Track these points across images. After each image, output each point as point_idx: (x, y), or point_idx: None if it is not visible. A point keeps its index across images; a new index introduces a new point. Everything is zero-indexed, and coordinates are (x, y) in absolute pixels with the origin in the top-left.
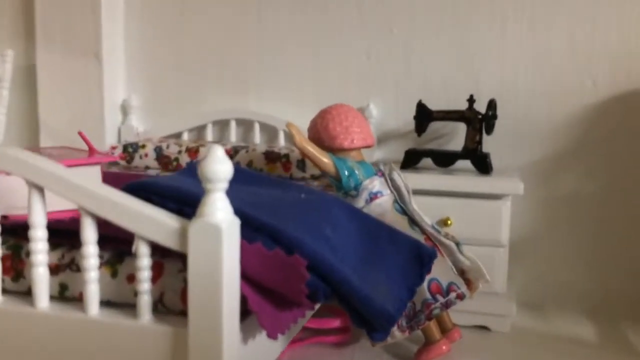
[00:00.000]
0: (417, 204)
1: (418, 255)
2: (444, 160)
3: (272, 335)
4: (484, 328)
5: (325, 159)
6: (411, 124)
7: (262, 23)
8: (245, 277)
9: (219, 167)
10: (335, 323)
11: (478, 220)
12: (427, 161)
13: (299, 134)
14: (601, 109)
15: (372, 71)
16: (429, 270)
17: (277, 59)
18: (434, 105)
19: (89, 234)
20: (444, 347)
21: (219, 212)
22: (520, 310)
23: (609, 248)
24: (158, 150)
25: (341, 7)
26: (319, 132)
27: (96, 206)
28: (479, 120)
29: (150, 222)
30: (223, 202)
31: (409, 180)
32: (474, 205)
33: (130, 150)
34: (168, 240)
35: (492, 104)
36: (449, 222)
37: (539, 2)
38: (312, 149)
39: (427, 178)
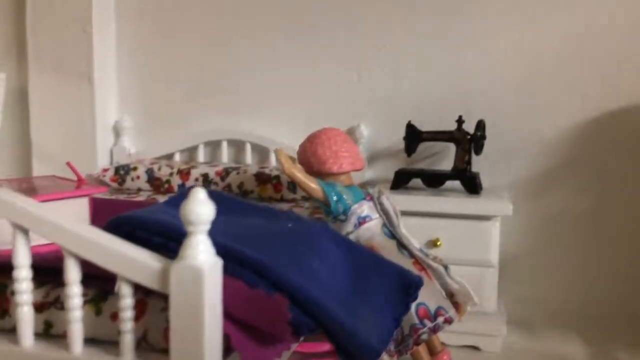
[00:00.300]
0: (406, 226)
1: (404, 283)
2: (434, 180)
3: None
4: (474, 348)
5: (313, 185)
6: (401, 144)
7: (254, 44)
8: (229, 314)
9: (200, 210)
10: (326, 347)
11: (467, 241)
12: (417, 181)
13: (287, 160)
14: (591, 126)
15: (362, 91)
16: (415, 299)
17: (269, 80)
18: (424, 125)
19: (73, 274)
20: None
21: (201, 254)
22: (511, 330)
23: (599, 266)
24: (150, 173)
25: (331, 28)
26: (308, 157)
27: (79, 247)
28: (468, 141)
29: (132, 263)
30: (205, 244)
31: (398, 201)
32: (463, 226)
33: (121, 172)
34: (150, 281)
35: (480, 125)
36: (438, 243)
37: (528, 21)
38: (301, 175)
39: (417, 199)
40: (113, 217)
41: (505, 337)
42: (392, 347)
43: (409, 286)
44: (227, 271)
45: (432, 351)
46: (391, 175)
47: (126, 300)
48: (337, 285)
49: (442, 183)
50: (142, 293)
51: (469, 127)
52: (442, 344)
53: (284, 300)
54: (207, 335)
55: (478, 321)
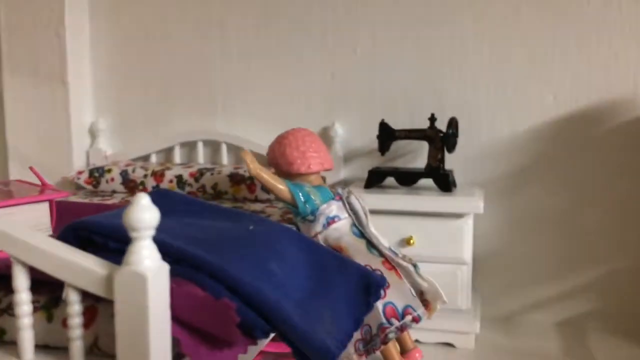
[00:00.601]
0: (380, 224)
1: (366, 284)
2: (407, 179)
3: None
4: (449, 345)
5: (280, 186)
6: (376, 143)
7: (228, 45)
8: (179, 319)
9: (143, 216)
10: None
11: (440, 238)
12: (391, 180)
13: (253, 161)
14: (562, 123)
15: (337, 91)
16: (376, 299)
17: (244, 80)
18: (398, 124)
19: (21, 281)
20: None
21: (145, 260)
22: (487, 326)
23: (573, 262)
24: (124, 175)
25: (306, 29)
26: (277, 158)
27: (25, 254)
28: (440, 139)
29: (78, 269)
30: (149, 249)
31: (372, 200)
32: (436, 224)
33: (96, 174)
34: (96, 288)
35: (452, 123)
36: (411, 241)
37: (499, 20)
38: (267, 176)
39: (390, 198)
40: (70, 223)
41: (479, 334)
42: (360, 346)
43: (370, 286)
44: (181, 274)
45: (403, 349)
46: (366, 174)
47: (74, 307)
48: (295, 287)
49: (415, 181)
50: (93, 299)
51: (443, 125)
52: (414, 342)
53: (231, 304)
54: (153, 340)
55: (452, 318)
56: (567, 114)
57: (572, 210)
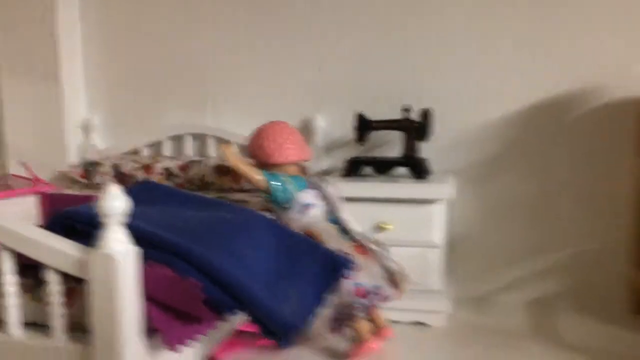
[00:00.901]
0: (357, 211)
1: (332, 265)
2: (383, 167)
3: (172, 348)
4: (422, 324)
5: (257, 176)
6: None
7: (216, 40)
8: (152, 298)
9: (113, 204)
10: None
11: (414, 223)
12: (369, 168)
13: (232, 154)
14: (533, 111)
15: (321, 83)
16: (341, 279)
17: (231, 75)
18: (379, 115)
19: (6, 265)
20: (373, 346)
21: (115, 243)
22: (461, 306)
23: (543, 245)
24: (116, 168)
25: (293, 26)
26: (255, 150)
27: (8, 240)
28: (415, 129)
29: (56, 253)
30: (119, 234)
31: (350, 188)
32: (410, 210)
33: (89, 169)
34: (72, 269)
35: (425, 113)
36: (387, 226)
37: (471, 12)
38: (245, 168)
39: (368, 186)
40: (56, 213)
41: (453, 314)
42: (331, 324)
43: (336, 267)
44: (155, 257)
45: (374, 327)
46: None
47: (53, 286)
48: (265, 269)
49: (391, 169)
50: (75, 281)
51: (419, 116)
52: (386, 321)
53: (197, 283)
54: (124, 317)
55: (425, 298)
56: (538, 103)
57: (543, 196)
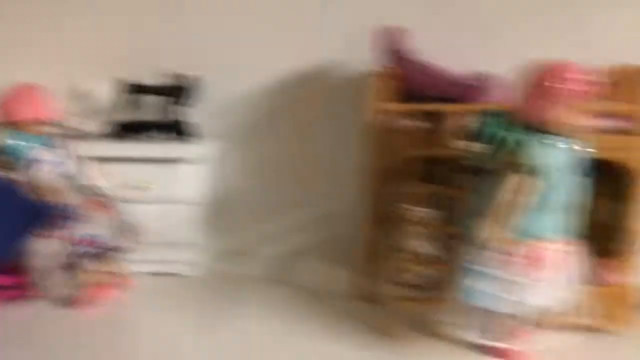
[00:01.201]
0: (118, 171)
1: (33, 214)
2: (146, 129)
3: None
4: (177, 275)
5: None
6: (125, 98)
7: None
8: None
9: None
10: (5, 280)
11: (175, 182)
12: (135, 131)
13: None
14: (293, 81)
15: (90, 47)
16: (40, 226)
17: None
18: (150, 81)
19: None
20: (107, 294)
21: None
22: (223, 259)
23: (297, 203)
24: None
25: None
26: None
27: None
28: (179, 93)
29: None
30: None
31: (115, 149)
32: (171, 169)
33: None
34: None
35: (188, 79)
36: (147, 185)
37: None
38: None
39: (128, 147)
40: None
41: (211, 265)
42: (59, 272)
43: (37, 215)
44: None
45: (113, 277)
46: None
47: None
48: None
49: (155, 131)
50: None
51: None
52: (128, 270)
53: None
54: None
55: (178, 251)
56: (296, 72)
57: (300, 159)
